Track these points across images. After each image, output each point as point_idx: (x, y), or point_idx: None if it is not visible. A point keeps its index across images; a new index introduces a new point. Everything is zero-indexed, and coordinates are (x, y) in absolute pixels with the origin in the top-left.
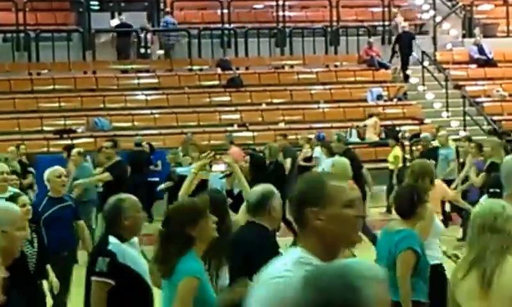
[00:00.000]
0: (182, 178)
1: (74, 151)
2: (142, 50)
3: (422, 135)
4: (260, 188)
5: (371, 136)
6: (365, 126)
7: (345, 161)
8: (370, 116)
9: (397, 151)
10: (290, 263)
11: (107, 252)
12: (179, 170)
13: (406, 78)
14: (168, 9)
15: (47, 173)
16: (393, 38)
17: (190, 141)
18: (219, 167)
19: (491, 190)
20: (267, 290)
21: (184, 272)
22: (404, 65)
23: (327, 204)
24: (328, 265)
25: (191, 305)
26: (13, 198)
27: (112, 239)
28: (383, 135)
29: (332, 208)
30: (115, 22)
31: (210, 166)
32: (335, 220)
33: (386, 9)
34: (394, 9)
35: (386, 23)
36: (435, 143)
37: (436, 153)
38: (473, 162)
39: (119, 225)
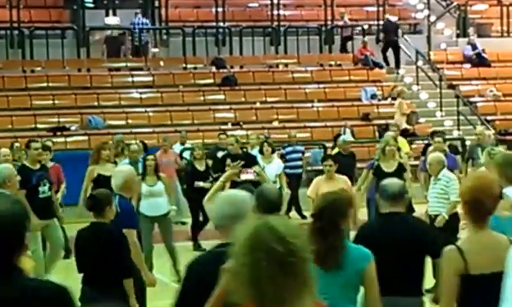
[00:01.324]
0: None
1: (3, 150)
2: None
3: (341, 137)
4: (395, 181)
5: (399, 119)
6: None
7: None
8: (394, 98)
9: None
10: None
11: None
12: None
13: (398, 64)
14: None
15: (124, 174)
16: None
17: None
18: (248, 176)
19: None
20: None
21: (365, 257)
22: (396, 58)
23: None
24: None
25: None
26: None
27: None
28: (377, 135)
29: None
30: (110, 20)
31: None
32: None
33: (381, 8)
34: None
35: (381, 22)
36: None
37: (347, 160)
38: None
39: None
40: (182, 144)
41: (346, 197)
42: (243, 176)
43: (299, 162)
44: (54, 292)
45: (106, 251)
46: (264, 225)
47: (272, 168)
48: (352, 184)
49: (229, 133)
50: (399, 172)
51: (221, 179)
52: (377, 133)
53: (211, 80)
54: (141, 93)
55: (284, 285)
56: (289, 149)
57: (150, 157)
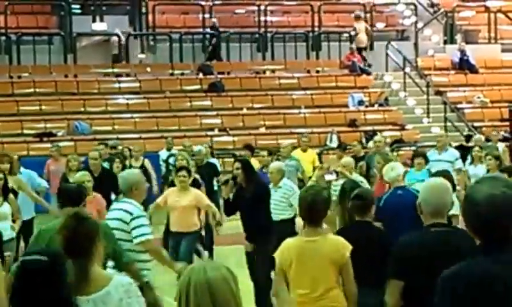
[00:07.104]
0: None
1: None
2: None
3: (196, 148)
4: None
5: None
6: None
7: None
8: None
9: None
10: None
11: None
12: None
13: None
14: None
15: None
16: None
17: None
18: (331, 177)
19: None
20: None
21: None
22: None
23: None
24: None
25: None
26: None
27: None
28: (364, 141)
29: None
30: (97, 26)
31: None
32: None
33: (368, 15)
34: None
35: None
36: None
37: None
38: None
39: None
40: (169, 150)
41: None
42: (327, 176)
43: None
44: None
45: None
46: None
47: None
48: None
49: (215, 139)
50: None
51: (313, 179)
52: (364, 140)
53: (198, 87)
54: (127, 99)
55: None
56: None
57: None
